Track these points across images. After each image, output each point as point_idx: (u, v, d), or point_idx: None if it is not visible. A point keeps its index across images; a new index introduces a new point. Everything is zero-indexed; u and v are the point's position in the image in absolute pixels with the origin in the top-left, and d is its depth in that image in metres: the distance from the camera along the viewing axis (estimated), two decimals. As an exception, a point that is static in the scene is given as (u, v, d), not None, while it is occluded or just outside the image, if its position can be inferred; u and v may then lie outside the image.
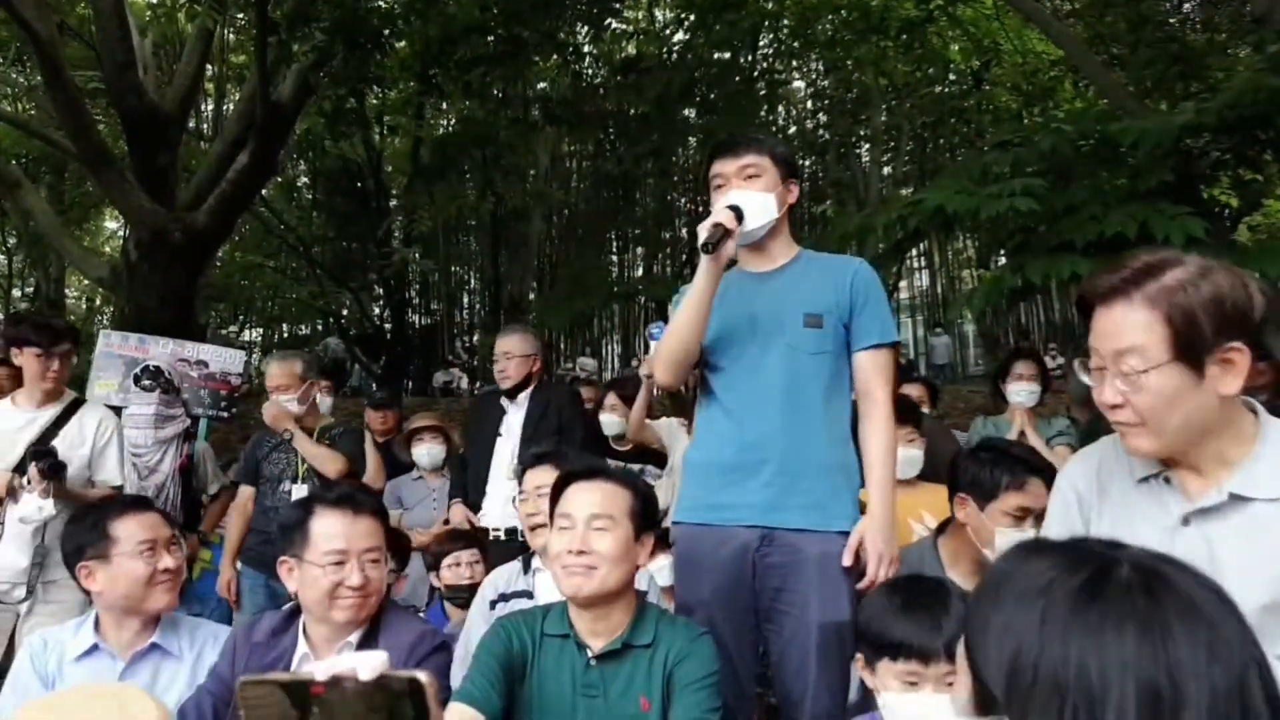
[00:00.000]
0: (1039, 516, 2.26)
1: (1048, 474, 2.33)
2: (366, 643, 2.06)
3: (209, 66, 13.70)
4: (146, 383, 4.19)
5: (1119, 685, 0.75)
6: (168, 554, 2.35)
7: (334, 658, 0.91)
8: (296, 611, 2.13)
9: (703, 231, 2.16)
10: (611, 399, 4.50)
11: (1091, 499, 1.59)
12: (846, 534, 2.21)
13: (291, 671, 0.94)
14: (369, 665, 0.88)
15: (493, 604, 2.79)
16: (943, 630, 1.78)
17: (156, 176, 8.10)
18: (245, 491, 3.95)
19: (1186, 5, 10.65)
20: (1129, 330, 1.38)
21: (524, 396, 4.00)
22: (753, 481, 2.23)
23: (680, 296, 2.45)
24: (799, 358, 2.26)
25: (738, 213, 2.21)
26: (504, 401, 4.05)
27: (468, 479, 4.12)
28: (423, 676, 0.88)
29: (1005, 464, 2.39)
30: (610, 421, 4.43)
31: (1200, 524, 1.44)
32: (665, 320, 2.84)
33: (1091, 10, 10.01)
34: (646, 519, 2.00)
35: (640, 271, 21.43)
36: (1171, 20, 9.21)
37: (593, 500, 1.96)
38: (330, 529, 2.04)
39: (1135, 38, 8.70)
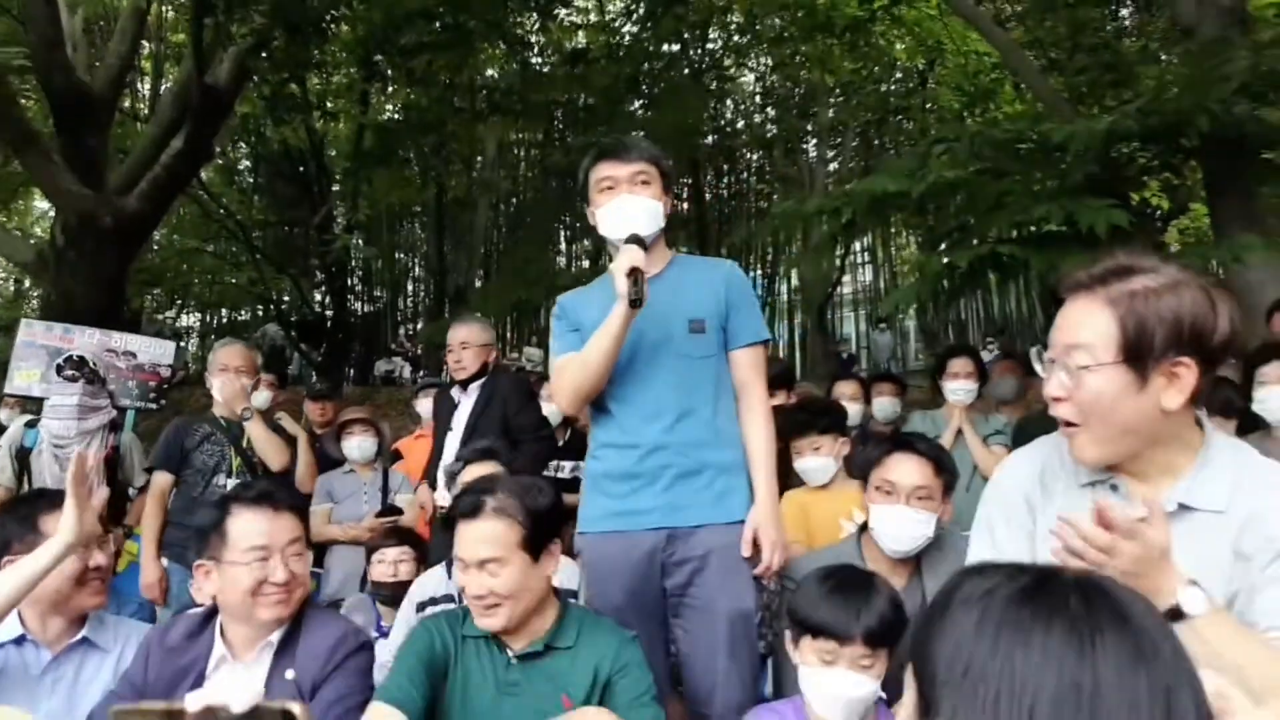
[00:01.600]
0: (915, 494, 2.39)
1: (920, 450, 2.46)
2: (288, 643, 2.04)
3: (145, 45, 13.31)
4: (69, 373, 4.07)
5: (1039, 678, 0.76)
6: (98, 551, 2.31)
7: (209, 687, 0.90)
8: (213, 613, 2.09)
9: (620, 277, 2.18)
10: (547, 390, 4.53)
11: (1036, 498, 1.61)
12: (743, 523, 2.33)
13: (165, 701, 0.91)
14: (243, 696, 0.87)
15: (420, 608, 2.79)
16: (860, 619, 1.92)
17: (86, 158, 7.85)
18: (164, 479, 3.80)
19: (1123, 13, 10.93)
20: (1083, 327, 1.41)
21: (475, 386, 3.97)
22: (653, 488, 2.32)
23: (564, 309, 2.52)
24: (687, 363, 2.36)
25: (640, 243, 2.26)
26: (455, 393, 4.03)
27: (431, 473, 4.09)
28: (295, 708, 0.87)
29: (874, 444, 2.58)
30: (552, 411, 4.46)
31: None
32: None
33: (1032, 15, 10.22)
34: (544, 534, 1.99)
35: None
36: (1107, 28, 9.44)
37: (479, 542, 1.94)
38: (251, 526, 2.01)
39: (1073, 43, 8.91)
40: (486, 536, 1.94)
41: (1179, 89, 4.13)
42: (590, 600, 2.44)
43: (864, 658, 1.91)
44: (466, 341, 3.96)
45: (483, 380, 3.98)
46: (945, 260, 4.51)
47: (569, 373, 2.40)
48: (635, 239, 2.26)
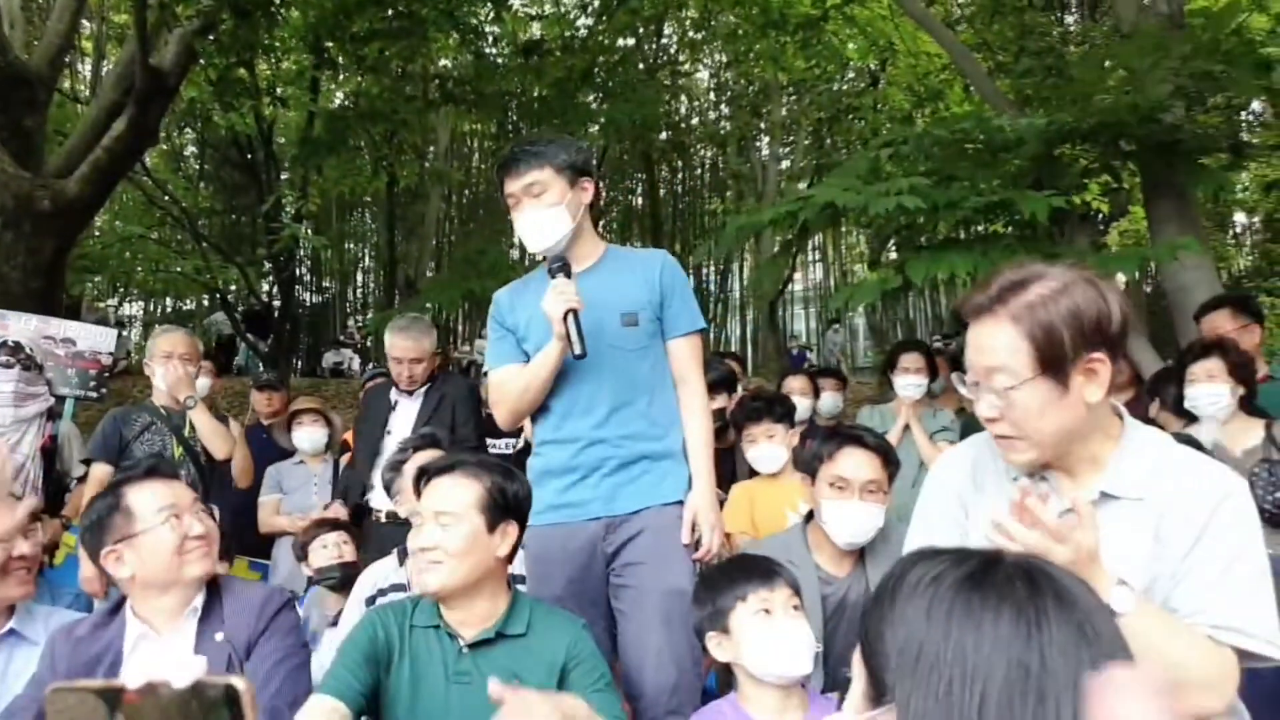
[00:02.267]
0: (867, 488, 2.45)
1: (869, 445, 2.51)
2: (211, 606, 2.03)
3: (86, 24, 12.95)
4: (4, 359, 3.94)
5: (990, 661, 0.79)
6: (23, 540, 2.27)
7: (148, 661, 0.88)
8: (119, 604, 2.07)
9: (556, 323, 2.25)
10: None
11: (968, 495, 1.65)
12: (680, 503, 2.38)
13: (104, 679, 0.90)
14: (185, 671, 0.86)
15: (370, 600, 2.77)
16: (778, 571, 2.01)
17: (22, 139, 7.62)
18: (102, 470, 3.70)
19: (1068, 18, 11.18)
20: (996, 349, 1.45)
21: (419, 391, 3.86)
22: (590, 479, 2.38)
23: (499, 311, 2.55)
24: (621, 356, 2.39)
25: (566, 269, 2.33)
26: (394, 394, 3.89)
27: (350, 476, 3.99)
28: (239, 683, 0.86)
29: (825, 439, 2.61)
30: None
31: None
32: None
33: (980, 17, 10.41)
34: (504, 509, 2.00)
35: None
36: (1053, 32, 9.65)
37: (439, 496, 1.99)
38: (153, 492, 2.03)
39: (1019, 46, 9.09)
40: (449, 491, 1.98)
41: (1113, 84, 4.24)
42: (533, 591, 2.45)
43: (792, 599, 1.98)
44: (418, 357, 3.81)
45: (428, 385, 3.86)
46: (897, 274, 4.58)
47: (508, 393, 2.45)
48: (561, 267, 2.31)
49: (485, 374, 2.72)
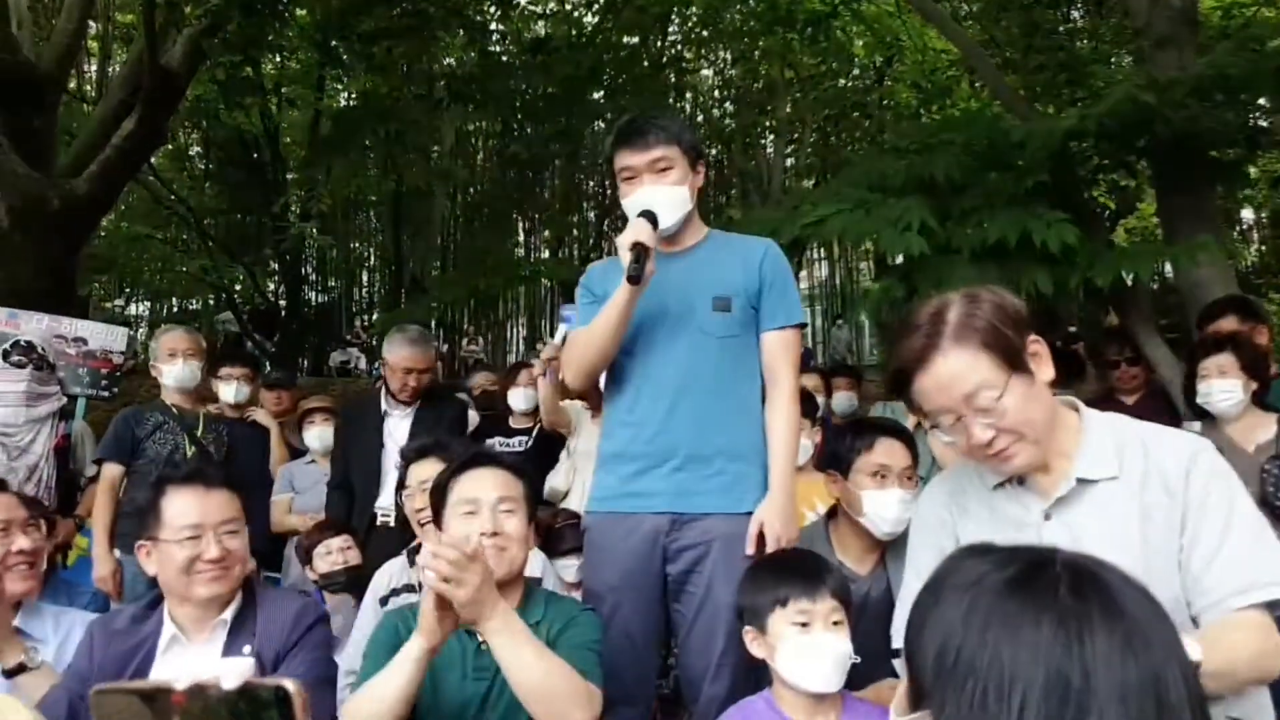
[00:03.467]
0: (904, 475, 2.43)
1: (898, 433, 2.51)
2: (243, 618, 2.03)
3: (93, 24, 12.95)
4: (16, 358, 3.96)
5: (1028, 672, 0.76)
6: (22, 535, 2.29)
7: (197, 664, 0.87)
8: (160, 599, 2.08)
9: (623, 251, 2.14)
10: (526, 376, 4.59)
11: (955, 520, 1.70)
12: (751, 514, 2.26)
13: (151, 680, 0.89)
14: (233, 672, 0.85)
15: (383, 601, 2.77)
16: (823, 577, 1.94)
17: (32, 139, 7.60)
18: (113, 470, 3.72)
19: (1075, 14, 11.13)
20: (963, 374, 1.50)
21: (414, 406, 3.84)
22: (662, 469, 2.26)
23: (590, 279, 2.45)
24: (708, 342, 2.28)
25: (652, 219, 2.19)
26: (385, 405, 3.85)
27: (338, 485, 3.91)
28: (290, 685, 0.85)
29: (855, 432, 2.57)
30: (526, 395, 4.51)
31: (1060, 515, 1.57)
32: (572, 302, 2.83)
33: (987, 14, 10.36)
34: (536, 503, 2.07)
35: (547, 254, 21.26)
36: (1061, 28, 9.60)
37: (497, 484, 1.99)
38: (182, 506, 2.01)
39: (1027, 43, 9.05)
40: (504, 481, 1.99)
41: (1137, 92, 4.20)
42: (586, 579, 2.43)
43: (834, 613, 1.92)
44: (426, 368, 3.81)
45: (420, 400, 3.84)
46: (902, 283, 4.55)
47: (575, 347, 2.35)
48: (647, 214, 2.20)
49: (479, 366, 2.66)
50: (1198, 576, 1.45)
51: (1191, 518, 1.47)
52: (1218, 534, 1.45)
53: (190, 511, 2.01)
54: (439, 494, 2.06)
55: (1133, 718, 0.75)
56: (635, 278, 2.12)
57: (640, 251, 2.12)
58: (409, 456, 2.99)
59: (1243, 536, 1.45)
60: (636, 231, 2.15)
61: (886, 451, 2.46)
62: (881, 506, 2.42)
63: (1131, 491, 1.52)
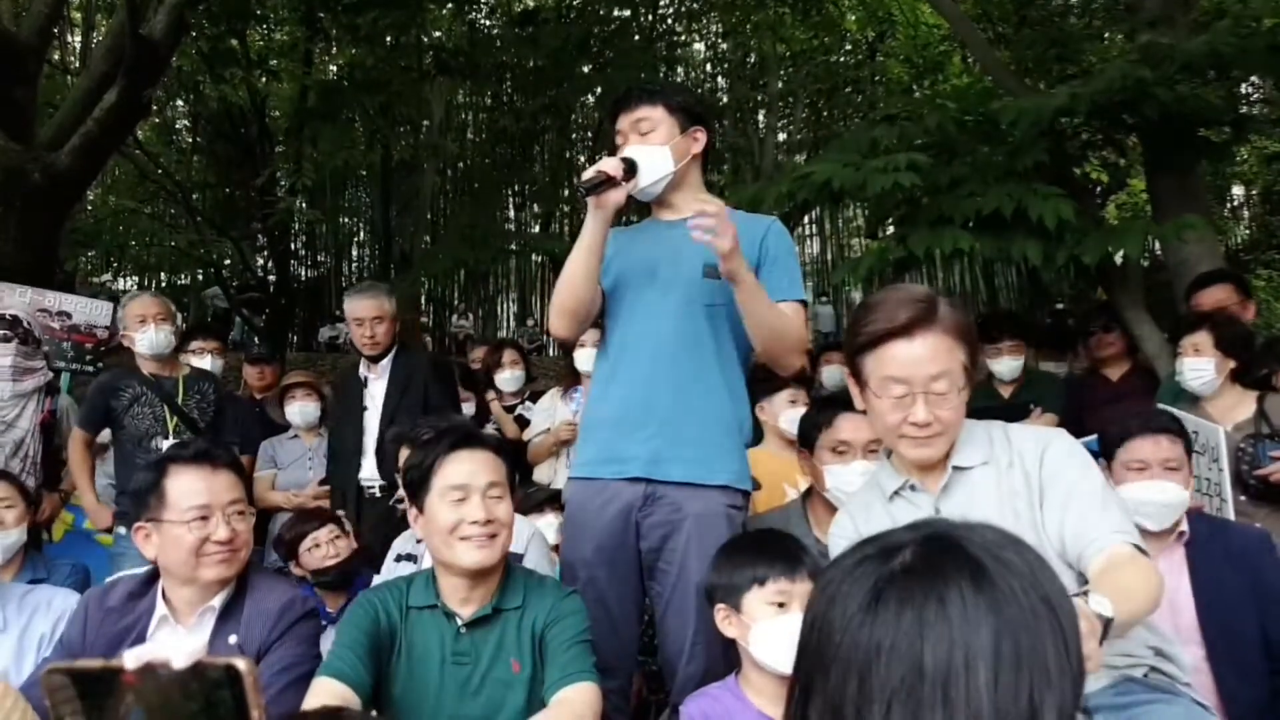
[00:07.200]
0: (867, 449, 2.47)
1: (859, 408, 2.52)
2: (232, 606, 2.00)
3: (74, -6, 12.77)
4: (2, 332, 3.92)
5: (888, 660, 0.77)
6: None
7: (148, 645, 0.87)
8: (156, 575, 2.05)
9: (588, 173, 2.11)
10: (511, 356, 4.59)
11: (861, 536, 1.74)
12: (727, 489, 2.25)
13: (101, 660, 0.88)
14: (183, 652, 0.84)
15: (398, 559, 2.79)
16: (803, 560, 1.92)
17: (12, 111, 7.50)
18: (82, 433, 3.80)
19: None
20: (940, 356, 1.63)
21: (386, 362, 3.85)
22: (639, 433, 2.24)
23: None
24: (694, 309, 2.26)
25: (630, 165, 2.16)
26: (364, 371, 3.88)
27: (331, 458, 4.00)
28: (241, 664, 0.84)
29: (819, 409, 2.63)
30: (513, 377, 4.55)
31: (945, 504, 1.71)
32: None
33: (979, -12, 10.31)
34: (513, 484, 2.05)
35: (537, 229, 21.17)
36: (1053, 3, 9.56)
37: (486, 468, 1.95)
38: (190, 485, 1.97)
39: (1019, 18, 9.01)
40: (492, 464, 1.96)
41: (1132, 68, 4.18)
42: (564, 550, 2.42)
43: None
44: (380, 315, 3.81)
45: (393, 356, 3.86)
46: (901, 248, 4.53)
47: (556, 289, 2.31)
48: (627, 160, 2.17)
49: (470, 341, 2.65)
50: (1053, 539, 1.61)
51: (1048, 491, 1.65)
52: (1063, 503, 1.62)
53: (197, 492, 1.97)
54: (421, 475, 1.98)
55: (1003, 671, 0.74)
56: (585, 188, 2.09)
57: (601, 175, 2.10)
58: (397, 441, 3.02)
59: (1088, 501, 1.61)
60: (606, 162, 2.14)
61: (848, 427, 2.47)
62: (843, 481, 2.44)
63: (1001, 470, 1.70)
